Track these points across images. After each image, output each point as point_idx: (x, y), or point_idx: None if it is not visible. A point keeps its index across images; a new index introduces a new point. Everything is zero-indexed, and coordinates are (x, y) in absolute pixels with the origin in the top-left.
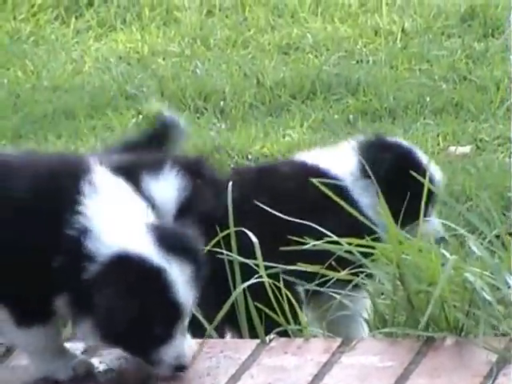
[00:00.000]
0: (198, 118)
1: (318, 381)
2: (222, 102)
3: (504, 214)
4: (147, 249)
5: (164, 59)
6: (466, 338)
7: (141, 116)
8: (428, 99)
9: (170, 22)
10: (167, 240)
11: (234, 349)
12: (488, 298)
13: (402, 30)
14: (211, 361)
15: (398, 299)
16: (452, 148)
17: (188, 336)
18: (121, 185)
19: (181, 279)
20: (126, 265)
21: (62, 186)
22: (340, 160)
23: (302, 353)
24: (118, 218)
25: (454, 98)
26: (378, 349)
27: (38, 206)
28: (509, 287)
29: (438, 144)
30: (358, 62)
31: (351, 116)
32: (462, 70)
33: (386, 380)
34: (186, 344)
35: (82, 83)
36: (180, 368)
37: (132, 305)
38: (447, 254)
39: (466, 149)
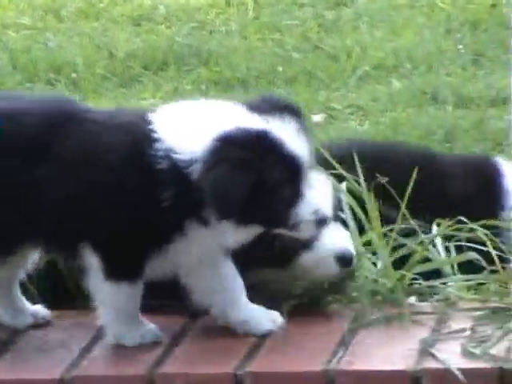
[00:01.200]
0: (51, 90)
1: None
2: (74, 74)
3: None
4: (243, 120)
5: (16, 32)
6: None
7: None
8: (280, 69)
9: None
10: (261, 106)
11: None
12: None
13: (254, 1)
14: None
15: None
16: None
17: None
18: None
19: (290, 134)
20: (228, 141)
21: (140, 130)
22: None
23: None
24: (195, 123)
25: (306, 67)
26: None
27: (134, 151)
28: None
29: None
30: (210, 32)
31: (203, 86)
32: (314, 39)
33: None
34: (318, 196)
35: None
36: (322, 222)
37: (250, 173)
38: None
39: (318, 117)
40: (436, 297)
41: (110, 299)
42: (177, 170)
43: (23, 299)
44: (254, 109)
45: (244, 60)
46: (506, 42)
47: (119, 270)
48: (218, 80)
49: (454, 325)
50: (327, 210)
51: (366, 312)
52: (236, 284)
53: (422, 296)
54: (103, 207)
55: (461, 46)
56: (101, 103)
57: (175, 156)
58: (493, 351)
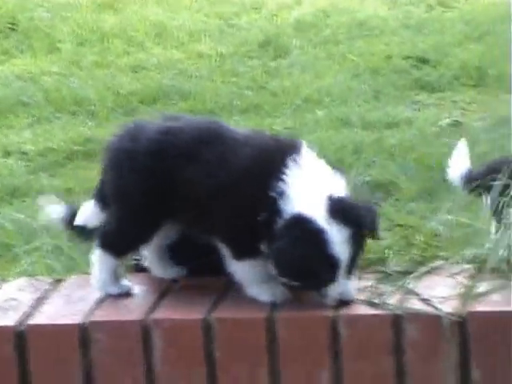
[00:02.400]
0: (74, 118)
1: None
2: (91, 107)
3: None
4: (317, 213)
5: (49, 76)
6: None
7: (33, 118)
8: (237, 102)
9: (53, 51)
10: (335, 207)
11: None
12: None
13: (218, 54)
14: None
15: None
16: None
17: (352, 280)
18: (320, 163)
19: (339, 238)
20: (299, 224)
21: (274, 159)
22: None
23: None
24: (308, 188)
25: (255, 101)
26: None
27: (257, 173)
28: None
29: None
30: (187, 76)
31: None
32: (261, 81)
33: None
34: (348, 285)
35: None
36: (344, 302)
37: (299, 253)
38: None
39: None
40: None
41: (243, 273)
42: (276, 209)
43: (169, 259)
44: (332, 207)
45: (212, 96)
46: (398, 82)
47: (242, 252)
48: (193, 110)
49: (362, 283)
50: (352, 296)
51: None
52: None
53: None
54: (232, 210)
55: (365, 86)
56: (109, 128)
57: (281, 200)
58: (388, 301)
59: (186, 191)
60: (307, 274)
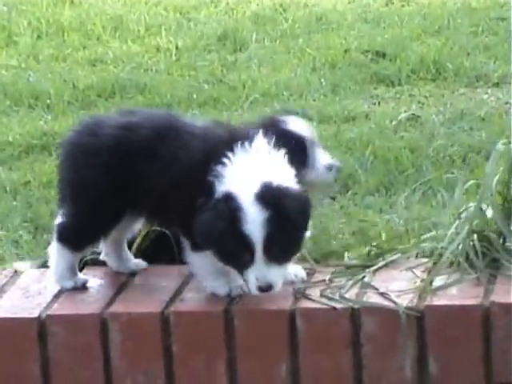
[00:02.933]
0: (31, 112)
1: None
2: (48, 101)
3: None
4: (244, 194)
5: (6, 70)
6: None
7: None
8: (195, 96)
9: (10, 44)
10: (262, 190)
11: None
12: None
13: (176, 48)
14: None
15: None
16: None
17: (278, 269)
18: (271, 152)
19: (255, 219)
20: (222, 201)
21: (219, 147)
22: None
23: None
24: (245, 172)
25: (213, 95)
26: None
27: (201, 161)
28: None
29: None
30: (144, 70)
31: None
32: (219, 75)
33: None
34: (270, 272)
35: None
36: (264, 289)
37: (215, 226)
38: None
39: None
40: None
41: (199, 264)
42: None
43: (128, 253)
44: (260, 191)
45: (169, 90)
46: (356, 76)
47: (196, 244)
48: (150, 104)
49: (319, 276)
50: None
51: None
52: None
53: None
54: (184, 201)
55: (323, 80)
56: (67, 122)
57: (217, 182)
58: (346, 295)
59: (145, 185)
60: (224, 250)
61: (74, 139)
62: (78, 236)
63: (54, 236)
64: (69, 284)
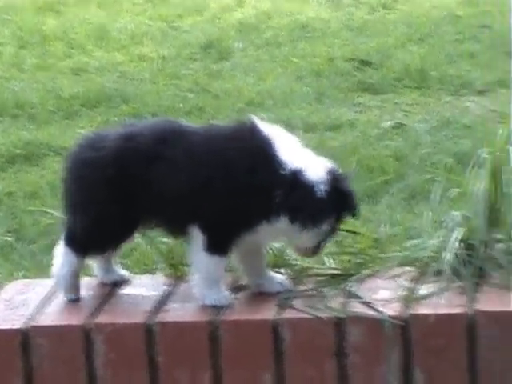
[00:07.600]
0: (15, 121)
1: None
2: (32, 110)
3: None
4: (313, 174)
5: None
6: None
7: None
8: (180, 105)
9: None
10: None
11: None
12: None
13: (161, 57)
14: None
15: None
16: None
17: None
18: (285, 132)
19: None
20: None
21: (248, 144)
22: None
23: None
24: (304, 159)
25: (198, 104)
26: None
27: (247, 161)
28: None
29: None
30: (129, 79)
31: (126, 118)
32: (203, 84)
33: None
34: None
35: None
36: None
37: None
38: None
39: None
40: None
41: (207, 268)
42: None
43: (115, 265)
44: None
45: (154, 99)
46: (341, 84)
47: (215, 244)
48: (135, 114)
49: (303, 286)
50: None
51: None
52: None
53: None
54: (216, 198)
55: (307, 88)
56: (51, 131)
57: (281, 172)
58: (331, 305)
59: (158, 191)
60: (323, 216)
61: (78, 155)
62: (90, 247)
63: (63, 239)
64: (69, 297)
